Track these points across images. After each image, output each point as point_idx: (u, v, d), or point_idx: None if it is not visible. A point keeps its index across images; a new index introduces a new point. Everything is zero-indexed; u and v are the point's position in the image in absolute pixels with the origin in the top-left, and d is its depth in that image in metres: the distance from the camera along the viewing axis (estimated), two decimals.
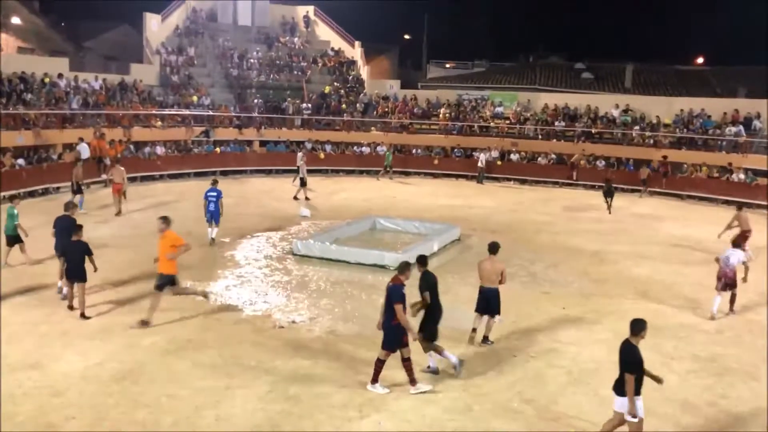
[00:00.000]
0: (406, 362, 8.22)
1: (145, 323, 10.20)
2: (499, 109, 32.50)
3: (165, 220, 10.50)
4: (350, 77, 35.83)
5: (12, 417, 7.41)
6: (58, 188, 22.17)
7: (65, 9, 41.69)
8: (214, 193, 15.76)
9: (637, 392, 6.65)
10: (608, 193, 22.07)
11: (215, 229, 15.95)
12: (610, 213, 21.68)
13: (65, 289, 11.04)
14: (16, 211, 13.10)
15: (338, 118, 32.32)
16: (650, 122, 29.40)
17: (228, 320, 10.76)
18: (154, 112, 28.43)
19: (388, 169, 28.56)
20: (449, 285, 12.97)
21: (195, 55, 33.51)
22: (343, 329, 10.49)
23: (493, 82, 40.28)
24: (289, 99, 32.58)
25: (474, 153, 29.96)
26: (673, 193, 26.08)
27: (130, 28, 40.69)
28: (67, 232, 11.06)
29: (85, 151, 22.79)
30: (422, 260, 8.98)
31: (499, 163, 29.57)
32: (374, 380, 8.31)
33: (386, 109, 33.12)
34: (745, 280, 11.77)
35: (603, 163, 28.34)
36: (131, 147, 26.11)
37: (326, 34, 38.41)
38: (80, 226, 11.11)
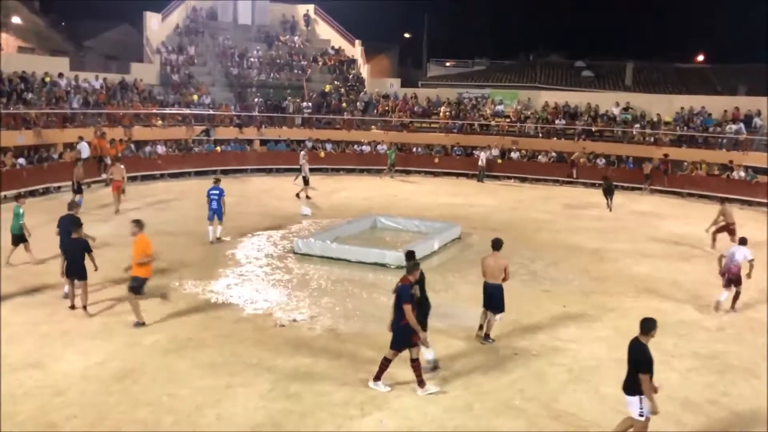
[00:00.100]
0: (414, 363, 8.21)
1: (140, 324, 10.19)
2: (500, 108, 32.49)
3: (137, 223, 10.36)
4: (350, 76, 35.82)
5: (13, 416, 7.42)
6: (58, 187, 22.17)
7: (65, 8, 41.79)
8: (216, 192, 15.80)
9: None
10: (608, 191, 22.06)
11: (219, 228, 16.01)
12: (610, 211, 21.68)
13: (66, 287, 11.04)
14: (22, 210, 13.12)
15: (339, 117, 32.30)
16: (651, 120, 29.37)
17: (229, 319, 10.77)
18: (154, 111, 28.43)
19: (390, 167, 28.61)
20: (450, 283, 12.99)
21: (195, 54, 33.50)
22: (344, 328, 10.49)
23: (493, 80, 40.31)
24: (289, 98, 32.56)
25: (474, 151, 29.94)
26: (673, 191, 26.07)
27: (130, 27, 40.72)
28: (77, 228, 11.11)
29: (85, 150, 22.79)
30: (410, 255, 9.19)
31: (499, 161, 29.55)
32: (377, 378, 8.31)
33: (387, 108, 33.10)
34: (749, 276, 11.79)
35: (603, 161, 28.32)
36: (132, 146, 26.11)
37: (326, 32, 38.39)
38: (80, 224, 11.11)
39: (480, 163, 28.49)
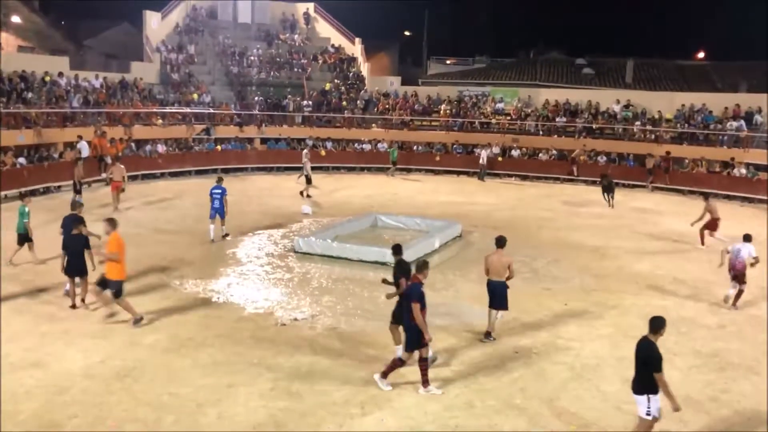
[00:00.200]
0: (422, 363, 8.20)
1: (138, 320, 10.17)
2: (500, 105, 32.49)
3: (110, 222, 10.24)
4: (351, 74, 35.79)
5: (14, 415, 7.42)
6: (59, 187, 22.17)
7: (65, 8, 41.79)
8: (219, 191, 15.82)
9: (656, 390, 6.61)
10: (609, 189, 22.08)
11: (223, 226, 16.07)
12: (611, 207, 21.70)
13: (68, 285, 11.03)
14: (27, 209, 13.12)
15: (339, 115, 32.29)
16: (651, 117, 29.36)
17: (230, 318, 10.76)
18: (154, 110, 28.43)
19: (393, 166, 28.65)
20: (451, 281, 12.99)
21: (195, 53, 33.49)
22: (345, 326, 10.49)
23: (493, 78, 40.31)
24: (289, 96, 32.55)
25: (475, 149, 29.94)
26: (674, 188, 26.06)
27: (130, 26, 40.74)
28: (78, 226, 11.13)
29: (84, 149, 22.79)
30: (397, 250, 9.26)
31: (500, 159, 29.55)
32: (384, 375, 8.25)
33: (387, 106, 33.09)
34: (753, 265, 11.83)
35: (604, 158, 28.31)
36: (132, 145, 26.11)
37: (326, 31, 38.36)
38: (80, 220, 11.10)
39: (481, 161, 28.48)
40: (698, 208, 21.08)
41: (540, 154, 29.68)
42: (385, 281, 9.25)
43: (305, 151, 24.29)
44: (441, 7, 57.71)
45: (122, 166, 19.69)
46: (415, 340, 8.10)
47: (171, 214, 19.14)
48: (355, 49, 37.25)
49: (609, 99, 31.29)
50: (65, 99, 25.30)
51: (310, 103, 32.50)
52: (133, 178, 23.93)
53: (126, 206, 19.53)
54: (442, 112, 32.32)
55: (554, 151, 29.39)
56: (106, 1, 42.43)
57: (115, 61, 35.22)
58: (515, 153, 29.91)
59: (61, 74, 26.03)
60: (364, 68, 36.42)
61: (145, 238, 15.95)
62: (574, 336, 10.31)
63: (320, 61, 36.28)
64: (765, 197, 23.32)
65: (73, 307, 10.77)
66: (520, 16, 61.09)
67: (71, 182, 20.71)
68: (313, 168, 23.69)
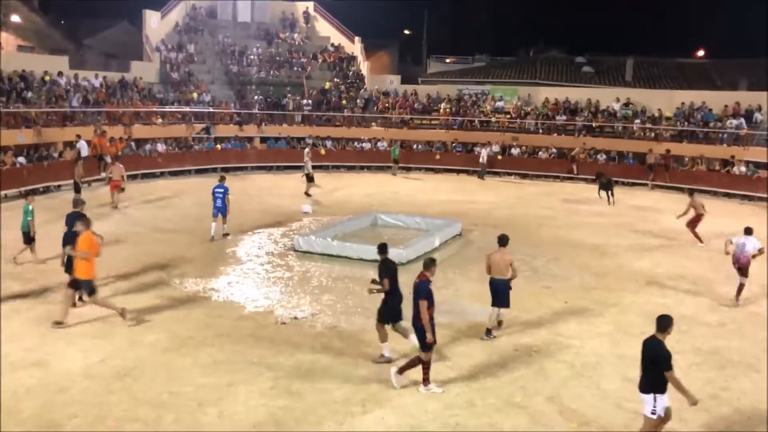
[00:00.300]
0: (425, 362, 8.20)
1: (123, 314, 10.14)
2: (500, 104, 32.47)
3: (83, 220, 10.18)
4: (350, 73, 35.77)
5: (15, 414, 7.43)
6: (59, 186, 22.17)
7: (65, 7, 41.74)
8: (222, 190, 15.85)
9: (663, 390, 6.60)
10: (608, 186, 22.09)
11: (225, 225, 16.09)
12: (610, 204, 21.71)
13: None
14: (31, 208, 13.11)
15: (339, 114, 32.29)
16: (651, 115, 29.35)
17: (230, 317, 10.76)
18: (154, 109, 28.42)
19: (395, 164, 28.68)
20: (451, 280, 12.99)
21: (195, 52, 33.46)
22: (346, 325, 10.49)
23: (493, 76, 40.27)
24: (289, 95, 32.54)
25: (475, 148, 29.93)
26: (674, 186, 26.04)
27: (129, 25, 40.70)
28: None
29: (84, 148, 22.77)
30: (382, 249, 9.26)
31: (499, 157, 29.55)
32: (401, 371, 8.22)
33: (387, 105, 33.08)
34: (755, 257, 11.86)
35: (604, 156, 28.32)
36: (132, 144, 26.11)
37: (326, 29, 38.33)
38: (84, 218, 11.10)
39: (481, 160, 28.46)
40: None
41: (540, 153, 29.68)
42: (374, 281, 9.20)
43: (307, 150, 24.29)
44: (441, 7, 57.73)
45: (121, 166, 19.70)
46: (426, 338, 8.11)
47: (170, 213, 19.15)
48: (354, 47, 37.23)
49: (609, 97, 31.28)
50: (65, 98, 25.29)
51: (310, 102, 32.49)
52: (133, 177, 23.93)
53: (125, 205, 19.54)
54: (441, 110, 32.31)
55: (554, 150, 29.39)
56: (105, 1, 42.46)
57: (114, 60, 35.23)
58: (515, 151, 29.91)
59: (60, 74, 26.02)
60: (364, 67, 36.40)
61: (145, 237, 15.97)
62: (574, 334, 10.31)
63: (320, 60, 36.26)
64: (765, 195, 23.32)
65: (73, 305, 10.76)
66: (520, 16, 61.14)
67: (71, 181, 20.70)
68: (313, 167, 23.69)
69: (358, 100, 33.33)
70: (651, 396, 6.63)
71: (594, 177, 24.11)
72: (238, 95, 32.08)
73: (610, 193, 22.12)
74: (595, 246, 16.31)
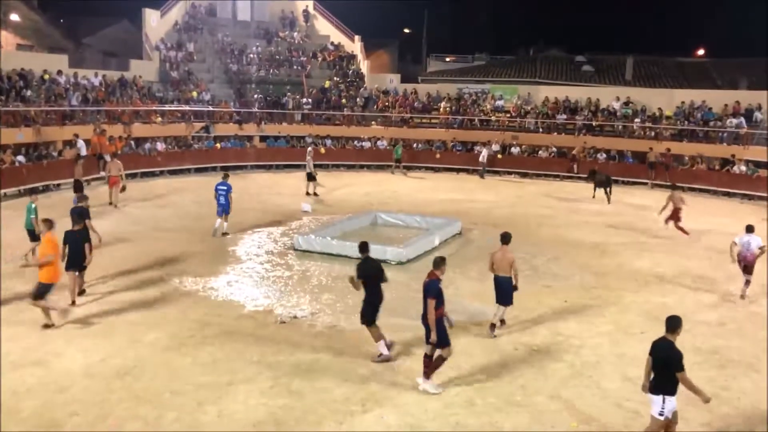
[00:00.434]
0: (427, 359, 8.20)
1: (48, 326, 9.85)
2: (500, 103, 32.43)
3: (46, 222, 10.07)
4: (350, 71, 35.75)
5: (15, 414, 7.43)
6: (58, 185, 22.14)
7: (64, 5, 41.63)
8: (224, 187, 15.88)
9: (673, 392, 6.58)
10: (606, 183, 22.09)
11: (225, 223, 16.09)
12: (609, 203, 21.72)
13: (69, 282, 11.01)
14: (34, 206, 13.07)
15: (338, 113, 32.27)
16: (651, 114, 29.34)
17: (229, 316, 10.76)
18: (154, 108, 28.39)
19: (397, 163, 28.66)
20: (451, 278, 12.93)
21: (194, 51, 33.43)
22: (345, 324, 10.48)
23: (493, 75, 40.21)
24: (289, 94, 32.52)
25: (475, 147, 29.91)
26: (674, 185, 26.00)
27: (129, 24, 40.61)
28: (81, 220, 11.16)
29: (82, 147, 22.75)
30: (363, 247, 9.23)
31: (499, 156, 29.54)
32: (427, 376, 8.17)
33: (386, 104, 33.06)
34: (758, 256, 11.93)
35: (604, 155, 28.31)
36: (131, 143, 26.09)
37: (326, 28, 38.30)
38: (86, 213, 11.11)
39: (481, 158, 28.45)
40: (698, 205, 21.14)
41: (540, 152, 29.67)
42: (351, 279, 9.11)
43: (309, 149, 24.28)
44: (441, 6, 57.68)
45: (119, 162, 19.67)
46: (444, 336, 8.11)
47: (170, 212, 19.14)
48: (354, 46, 37.20)
49: (609, 96, 31.25)
50: (64, 97, 25.26)
51: (310, 100, 32.47)
52: (133, 175, 23.93)
53: (125, 204, 19.53)
54: (441, 109, 32.28)
55: (554, 149, 29.38)
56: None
57: (114, 59, 35.18)
58: (515, 150, 29.89)
59: (60, 72, 25.98)
60: (364, 66, 36.37)
61: (144, 236, 15.96)
62: (574, 333, 10.31)
63: (320, 59, 36.23)
64: (765, 194, 23.32)
65: (73, 303, 10.76)
66: (520, 14, 61.04)
67: (70, 180, 20.66)
68: (314, 166, 23.67)
69: (357, 99, 33.31)
70: (660, 397, 6.61)
71: (587, 176, 24.00)
72: (238, 94, 32.06)
73: (608, 190, 22.11)
74: (595, 245, 16.31)
